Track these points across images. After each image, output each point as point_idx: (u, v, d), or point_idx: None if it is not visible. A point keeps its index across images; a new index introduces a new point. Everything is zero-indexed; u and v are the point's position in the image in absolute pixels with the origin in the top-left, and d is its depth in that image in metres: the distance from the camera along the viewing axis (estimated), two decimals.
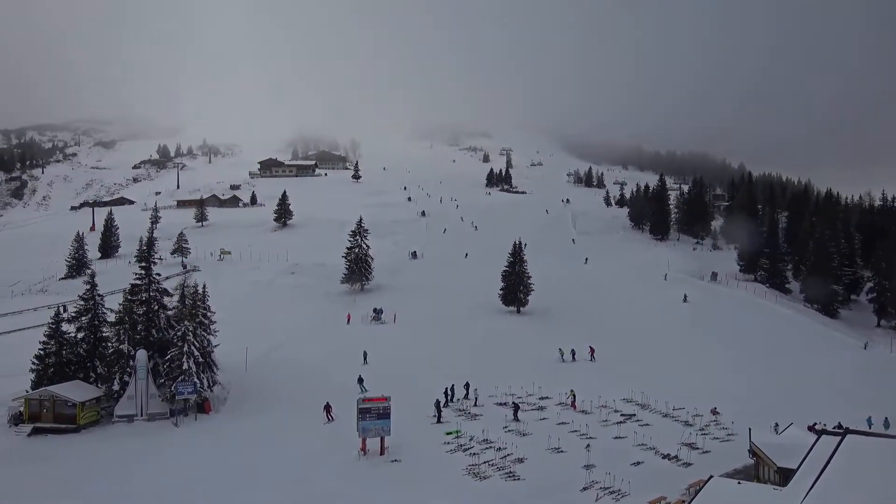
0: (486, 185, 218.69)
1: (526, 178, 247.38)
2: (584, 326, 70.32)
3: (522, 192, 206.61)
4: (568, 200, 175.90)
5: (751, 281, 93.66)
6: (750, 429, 35.34)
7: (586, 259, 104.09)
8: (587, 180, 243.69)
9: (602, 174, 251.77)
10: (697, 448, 38.59)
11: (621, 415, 45.59)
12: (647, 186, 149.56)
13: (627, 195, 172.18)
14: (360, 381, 52.19)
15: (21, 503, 32.86)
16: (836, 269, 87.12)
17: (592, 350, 61.23)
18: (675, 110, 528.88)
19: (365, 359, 59.17)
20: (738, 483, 27.63)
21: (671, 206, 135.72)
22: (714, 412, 44.99)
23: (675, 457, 37.25)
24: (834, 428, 33.44)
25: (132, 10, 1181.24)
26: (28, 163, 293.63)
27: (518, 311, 78.94)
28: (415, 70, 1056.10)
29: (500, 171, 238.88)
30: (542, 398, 49.83)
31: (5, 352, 63.90)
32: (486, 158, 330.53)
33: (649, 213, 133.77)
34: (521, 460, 36.70)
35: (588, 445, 37.13)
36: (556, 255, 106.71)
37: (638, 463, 36.39)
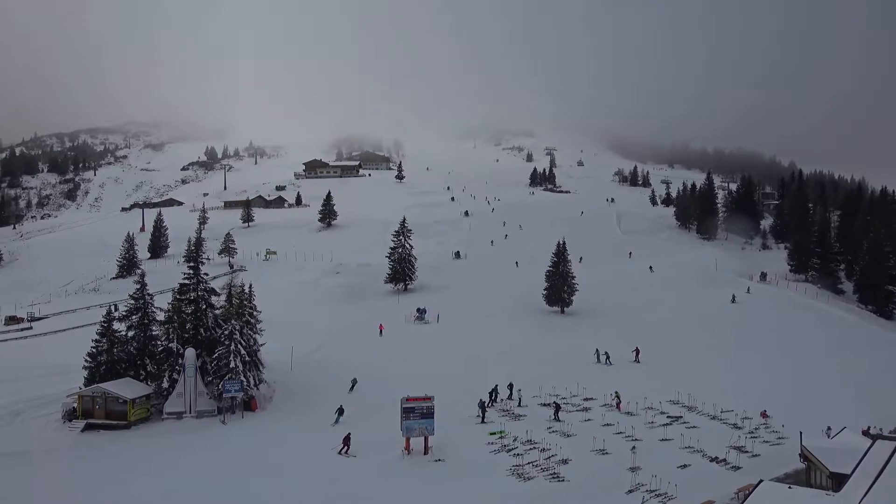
0: (530, 185, 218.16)
1: (570, 177, 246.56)
2: (629, 327, 69.41)
3: (566, 192, 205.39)
4: (613, 199, 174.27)
5: (801, 281, 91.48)
6: (801, 432, 34.41)
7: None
8: (632, 179, 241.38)
9: (647, 173, 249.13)
10: (746, 451, 37.73)
11: (668, 416, 44.79)
12: (693, 185, 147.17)
13: (673, 194, 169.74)
14: (341, 412, 45.93)
15: (73, 494, 33.66)
16: (891, 269, 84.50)
17: (637, 351, 60.43)
18: (682, 108, 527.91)
19: (352, 387, 53.38)
20: (789, 487, 26.91)
21: (719, 205, 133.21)
22: (764, 415, 43.97)
23: (724, 460, 36.49)
24: (890, 432, 32.50)
25: (145, 12, 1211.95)
26: (81, 165, 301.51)
27: (562, 312, 78.36)
28: (416, 70, 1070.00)
29: (544, 170, 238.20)
30: (586, 399, 49.30)
31: (59, 349, 66.04)
32: (529, 157, 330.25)
33: (696, 213, 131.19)
34: (565, 461, 36.32)
35: (633, 447, 36.55)
36: (602, 256, 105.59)
37: (685, 466, 35.74)
